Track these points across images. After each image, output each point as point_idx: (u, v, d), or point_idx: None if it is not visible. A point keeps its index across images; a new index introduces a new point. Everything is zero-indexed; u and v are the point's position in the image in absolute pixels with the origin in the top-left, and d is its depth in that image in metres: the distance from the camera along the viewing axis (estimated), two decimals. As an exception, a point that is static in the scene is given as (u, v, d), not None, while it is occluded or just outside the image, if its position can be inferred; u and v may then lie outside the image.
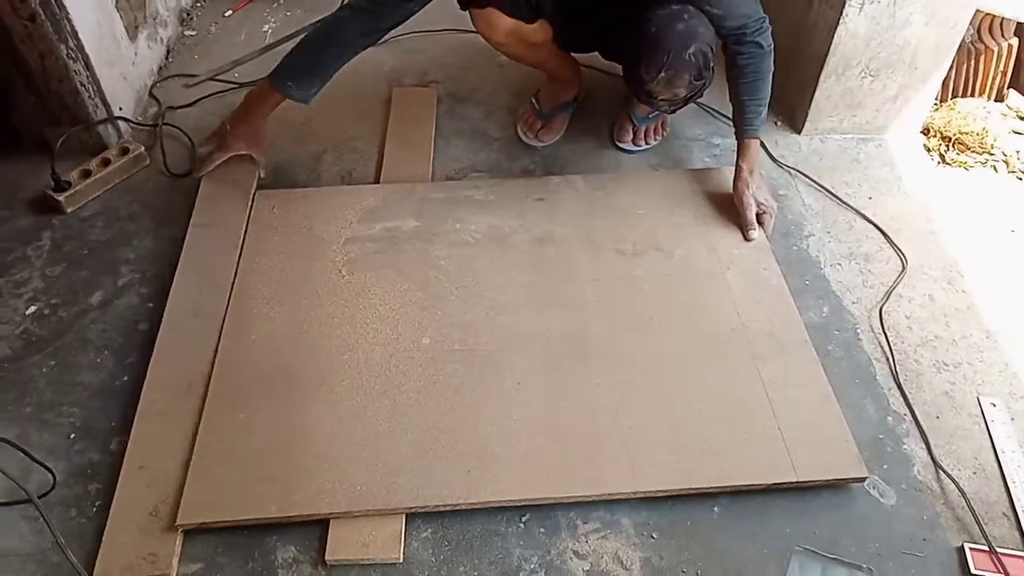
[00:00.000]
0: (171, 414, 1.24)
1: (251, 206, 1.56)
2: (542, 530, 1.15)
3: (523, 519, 1.16)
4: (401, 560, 1.11)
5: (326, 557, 1.11)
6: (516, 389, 1.26)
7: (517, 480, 1.16)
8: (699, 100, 1.69)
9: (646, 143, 1.76)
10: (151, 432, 1.22)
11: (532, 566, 1.12)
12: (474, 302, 1.39)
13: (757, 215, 1.51)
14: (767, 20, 1.47)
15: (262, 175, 1.64)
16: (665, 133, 1.79)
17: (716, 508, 1.18)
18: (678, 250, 1.48)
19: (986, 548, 1.12)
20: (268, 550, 1.13)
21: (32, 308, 1.43)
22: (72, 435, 1.25)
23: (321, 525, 1.14)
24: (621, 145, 1.76)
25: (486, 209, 1.56)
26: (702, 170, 1.67)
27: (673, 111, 1.59)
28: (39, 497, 1.13)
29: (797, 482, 1.16)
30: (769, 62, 1.50)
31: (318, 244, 1.49)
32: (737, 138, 1.55)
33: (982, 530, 1.14)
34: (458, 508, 1.15)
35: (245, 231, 1.51)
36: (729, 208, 1.55)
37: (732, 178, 1.56)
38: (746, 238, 1.50)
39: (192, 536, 1.14)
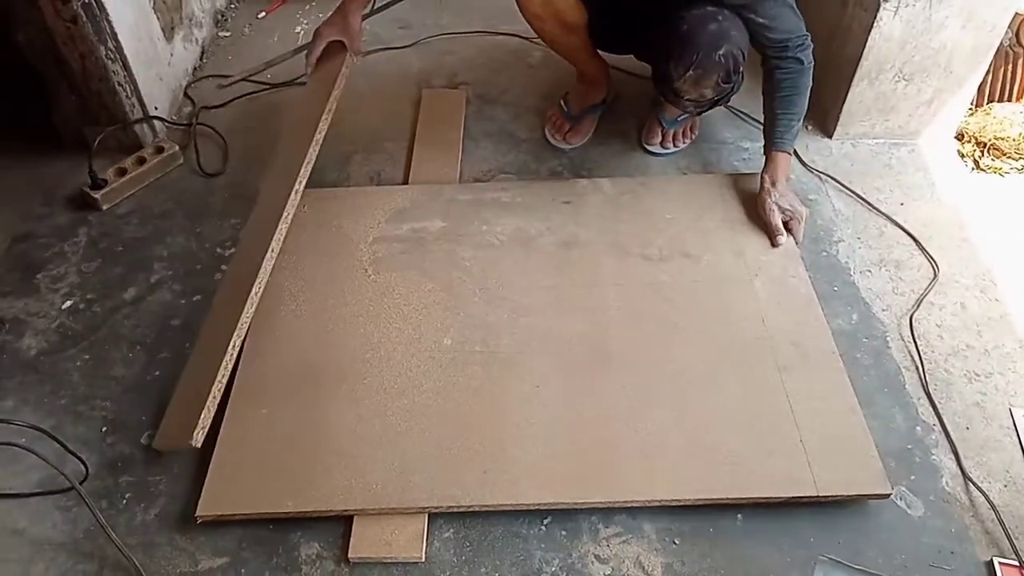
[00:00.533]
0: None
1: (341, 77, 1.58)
2: (563, 533, 1.16)
3: (544, 522, 1.17)
4: (423, 559, 1.12)
5: (349, 554, 1.12)
6: (535, 392, 1.26)
7: (533, 484, 1.16)
8: (729, 104, 1.69)
9: (674, 146, 1.75)
10: None
11: (553, 569, 1.12)
12: (497, 304, 1.40)
13: (785, 223, 1.50)
14: (810, 38, 1.47)
15: (356, 61, 1.66)
16: (694, 136, 1.78)
17: (739, 515, 1.17)
18: (705, 256, 1.47)
19: (1016, 563, 1.10)
20: (292, 546, 1.15)
21: (68, 303, 1.47)
22: (104, 428, 1.28)
23: (344, 522, 1.16)
24: (649, 148, 1.76)
25: (512, 211, 1.57)
26: (731, 175, 1.66)
27: (699, 113, 1.58)
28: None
29: (817, 496, 1.14)
30: (808, 79, 1.50)
31: (346, 243, 1.51)
32: (765, 150, 1.55)
33: (1012, 545, 1.12)
34: (472, 510, 1.15)
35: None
36: (758, 213, 1.53)
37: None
38: (773, 244, 1.49)
39: (217, 530, 1.16)
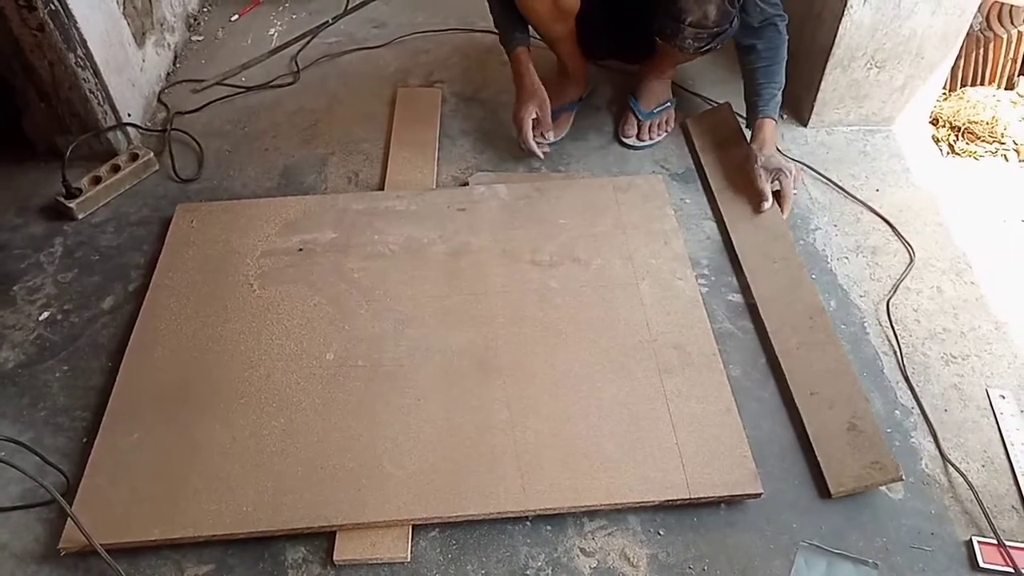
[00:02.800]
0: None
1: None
2: (549, 528, 1.16)
3: (529, 518, 1.17)
4: (409, 559, 1.13)
5: (334, 557, 1.12)
6: (416, 405, 1.25)
7: (406, 499, 1.15)
8: (704, 95, 1.70)
9: (651, 138, 1.76)
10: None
11: (539, 564, 1.13)
12: (383, 316, 1.38)
13: (775, 191, 1.53)
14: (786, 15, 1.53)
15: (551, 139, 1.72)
16: (670, 128, 1.78)
17: (723, 505, 1.18)
18: (595, 261, 1.47)
19: (995, 542, 1.11)
20: (278, 551, 1.14)
21: (45, 314, 1.46)
22: (85, 439, 1.27)
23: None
24: (626, 141, 1.76)
25: (406, 219, 1.54)
26: (628, 177, 1.65)
27: (698, 50, 1.52)
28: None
29: (689, 499, 1.14)
30: (785, 50, 1.54)
31: (232, 258, 1.48)
32: (750, 119, 1.57)
33: (991, 523, 1.13)
34: (345, 527, 1.13)
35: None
36: (652, 220, 1.54)
37: (658, 185, 1.60)
38: (758, 210, 1.52)
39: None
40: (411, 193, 1.61)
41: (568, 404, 1.25)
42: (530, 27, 1.63)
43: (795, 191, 1.55)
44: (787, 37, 1.54)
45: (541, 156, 1.67)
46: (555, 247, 1.49)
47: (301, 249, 1.49)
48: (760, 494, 1.16)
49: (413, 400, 1.26)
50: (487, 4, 1.64)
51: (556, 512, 1.15)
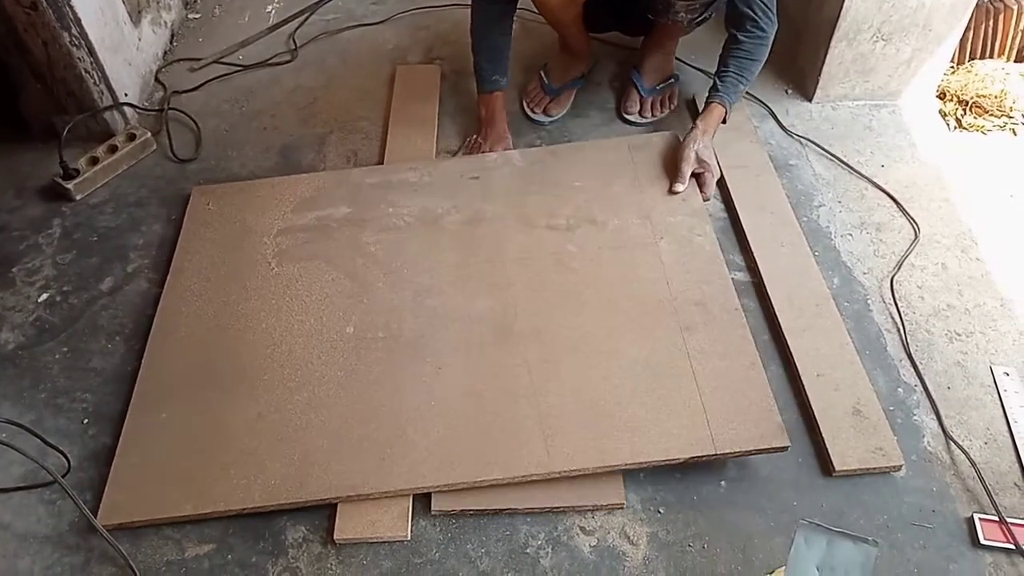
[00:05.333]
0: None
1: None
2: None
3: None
4: (409, 538, 1.13)
5: (335, 536, 1.12)
6: (437, 374, 1.25)
7: (431, 466, 1.15)
8: (709, 72, 1.67)
9: (653, 115, 1.73)
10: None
11: (539, 542, 1.13)
12: (401, 287, 1.37)
13: (697, 174, 1.50)
14: (777, 19, 1.49)
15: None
16: (673, 106, 1.76)
17: (723, 482, 1.18)
18: (612, 222, 1.45)
19: (996, 518, 1.11)
20: (278, 530, 1.15)
21: (44, 295, 1.45)
22: (85, 420, 1.27)
23: (330, 505, 1.16)
24: (628, 117, 1.74)
25: (419, 191, 1.53)
26: (642, 136, 1.64)
27: (692, 21, 1.52)
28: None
29: (715, 454, 1.13)
30: (765, 52, 1.51)
31: (250, 237, 1.48)
32: (707, 101, 1.54)
33: (992, 500, 1.13)
34: (372, 497, 1.14)
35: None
36: (669, 173, 1.52)
37: (674, 142, 1.56)
38: (671, 190, 1.49)
39: (204, 516, 1.16)
40: (423, 164, 1.60)
41: (589, 367, 1.24)
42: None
43: (706, 198, 1.51)
44: (770, 42, 1.50)
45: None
46: (571, 210, 1.47)
47: (317, 226, 1.49)
48: (787, 447, 1.14)
49: (434, 369, 1.26)
50: (471, 39, 1.60)
51: (582, 473, 1.14)
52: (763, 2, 1.46)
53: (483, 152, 1.62)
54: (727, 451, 1.14)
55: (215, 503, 1.14)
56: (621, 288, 1.34)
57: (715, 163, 1.52)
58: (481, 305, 1.34)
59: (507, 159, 1.59)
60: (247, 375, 1.28)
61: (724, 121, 1.54)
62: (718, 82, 1.53)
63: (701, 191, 1.50)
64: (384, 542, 1.13)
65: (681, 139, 1.54)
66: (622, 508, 1.15)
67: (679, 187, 1.49)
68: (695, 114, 1.73)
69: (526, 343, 1.28)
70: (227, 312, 1.36)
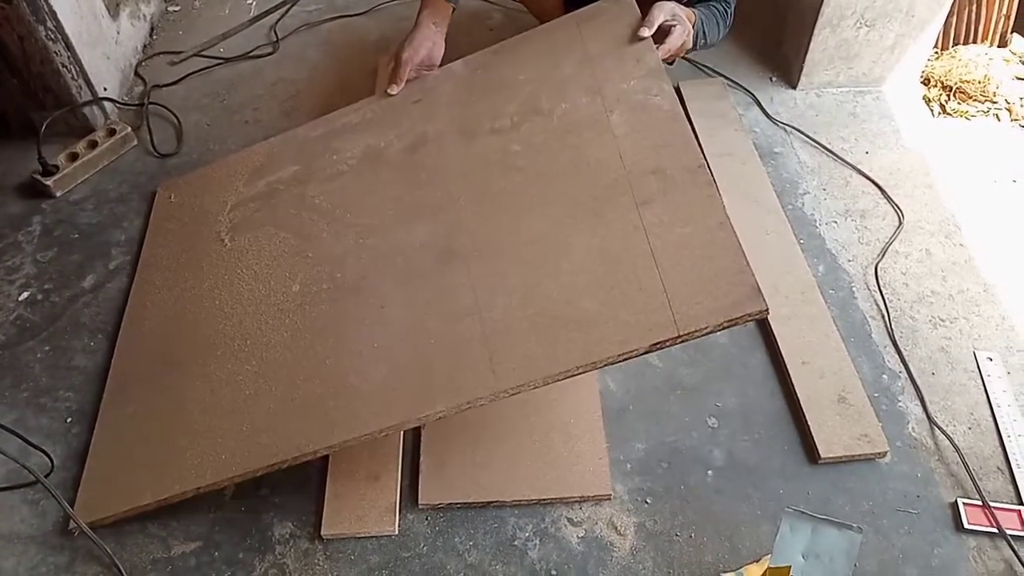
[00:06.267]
0: None
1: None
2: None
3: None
4: (396, 533, 1.13)
5: (322, 532, 1.12)
6: (380, 314, 1.18)
7: (374, 410, 1.08)
8: (692, 61, 1.66)
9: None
10: None
11: (527, 534, 1.13)
12: (344, 233, 1.31)
13: (665, 26, 1.34)
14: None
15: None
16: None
17: (710, 472, 1.18)
18: (560, 107, 1.31)
19: (979, 503, 1.12)
20: (265, 526, 1.14)
21: (25, 294, 1.44)
22: (68, 419, 1.26)
23: (316, 500, 1.16)
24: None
25: (363, 130, 1.45)
26: (589, 8, 1.45)
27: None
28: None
29: (679, 336, 0.98)
30: (724, 27, 1.50)
31: (206, 219, 1.45)
32: None
33: (976, 485, 1.14)
34: (319, 454, 1.09)
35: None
36: (622, 43, 1.35)
37: (622, 8, 1.39)
38: (636, 35, 1.32)
39: (189, 515, 1.15)
40: (366, 103, 1.50)
41: (536, 269, 1.12)
42: None
43: (668, 50, 1.35)
44: (728, 25, 1.50)
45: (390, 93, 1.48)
46: (515, 107, 1.35)
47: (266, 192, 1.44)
48: (764, 310, 0.97)
49: (376, 309, 1.18)
50: None
51: (530, 388, 1.03)
52: None
53: (397, 52, 1.49)
54: (692, 330, 0.98)
55: (171, 487, 1.12)
56: (569, 176, 1.21)
57: (689, 27, 1.38)
58: (423, 232, 1.24)
59: (449, 72, 1.47)
60: (200, 353, 1.26)
61: (693, 47, 1.43)
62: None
63: (663, 43, 1.34)
64: (372, 537, 1.13)
65: None
66: (609, 499, 1.15)
67: (645, 31, 1.32)
68: (680, 98, 1.73)
69: (470, 261, 1.18)
70: (185, 297, 1.35)
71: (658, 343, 0.99)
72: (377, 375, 1.11)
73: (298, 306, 1.24)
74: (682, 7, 1.39)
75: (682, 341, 0.99)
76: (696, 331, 0.99)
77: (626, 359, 1.01)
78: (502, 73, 1.43)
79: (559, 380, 1.02)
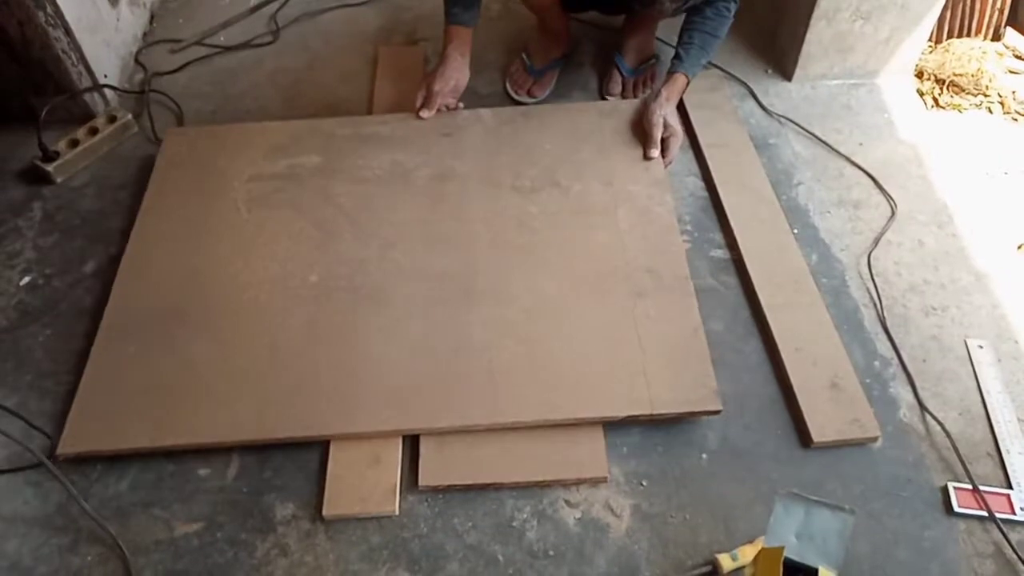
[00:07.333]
0: None
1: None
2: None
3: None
4: (397, 513, 1.14)
5: (323, 512, 1.14)
6: (396, 326, 1.28)
7: (382, 411, 1.19)
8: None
9: (635, 96, 1.74)
10: None
11: (525, 516, 1.14)
12: (366, 240, 1.40)
13: (664, 139, 1.53)
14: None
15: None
16: (653, 85, 1.76)
17: (704, 455, 1.20)
18: (575, 186, 1.48)
19: (969, 487, 1.14)
20: (267, 507, 1.16)
21: (26, 279, 1.45)
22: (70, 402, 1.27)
23: (318, 482, 1.17)
24: (610, 98, 1.74)
25: (391, 145, 1.56)
26: (611, 102, 1.68)
27: (676, 10, 1.50)
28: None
29: (652, 415, 1.18)
30: (726, 30, 1.54)
31: (222, 181, 1.50)
32: (669, 71, 1.57)
33: (966, 469, 1.16)
34: (322, 438, 1.20)
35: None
36: (633, 145, 1.55)
37: (642, 110, 1.58)
38: (646, 156, 1.52)
39: (192, 496, 1.17)
40: (396, 118, 1.61)
41: (543, 326, 1.28)
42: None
43: (670, 161, 1.54)
44: (731, 21, 1.54)
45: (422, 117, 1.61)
46: (537, 172, 1.50)
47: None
48: (719, 411, 1.19)
49: (393, 321, 1.29)
50: None
51: (524, 425, 1.19)
52: None
53: (428, 82, 1.60)
54: (662, 412, 1.18)
55: (172, 439, 1.17)
56: (578, 251, 1.38)
57: (680, 128, 1.55)
58: (443, 262, 1.37)
59: (478, 117, 1.61)
60: (213, 317, 1.30)
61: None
62: (682, 53, 1.55)
63: (665, 155, 1.53)
64: (373, 518, 1.14)
65: (647, 104, 1.56)
66: (605, 481, 1.17)
67: (654, 152, 1.52)
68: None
69: (484, 301, 1.31)
70: (197, 255, 1.39)
71: (634, 416, 1.19)
72: (386, 382, 1.22)
73: (315, 297, 1.32)
74: (670, 109, 1.54)
75: (651, 420, 1.20)
76: (665, 413, 1.19)
77: (607, 422, 1.20)
78: (528, 136, 1.58)
79: (549, 425, 1.19)
